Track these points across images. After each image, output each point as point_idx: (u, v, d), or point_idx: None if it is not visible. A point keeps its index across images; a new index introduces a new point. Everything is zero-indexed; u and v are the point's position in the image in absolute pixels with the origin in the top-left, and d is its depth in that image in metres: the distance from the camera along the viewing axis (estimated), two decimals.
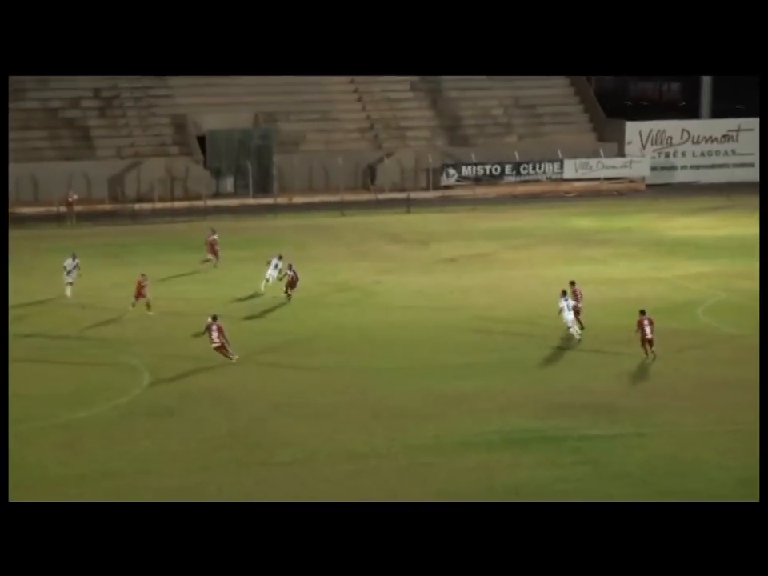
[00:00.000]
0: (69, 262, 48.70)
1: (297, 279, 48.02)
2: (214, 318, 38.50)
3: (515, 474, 28.21)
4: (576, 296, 41.90)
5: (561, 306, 40.41)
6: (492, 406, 33.73)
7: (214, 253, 54.86)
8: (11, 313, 45.34)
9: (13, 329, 42.59)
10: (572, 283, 42.78)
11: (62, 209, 70.46)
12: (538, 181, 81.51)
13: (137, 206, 73.28)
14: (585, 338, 40.90)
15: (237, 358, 38.12)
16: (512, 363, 38.35)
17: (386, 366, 38.21)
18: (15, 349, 40.04)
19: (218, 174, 79.75)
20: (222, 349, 38.03)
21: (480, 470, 28.58)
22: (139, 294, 45.34)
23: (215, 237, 55.42)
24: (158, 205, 73.96)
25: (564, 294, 40.97)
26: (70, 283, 48.24)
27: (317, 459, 29.46)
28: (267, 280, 49.09)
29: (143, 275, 46.00)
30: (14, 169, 74.33)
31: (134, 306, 45.17)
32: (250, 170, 77.67)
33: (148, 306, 45.16)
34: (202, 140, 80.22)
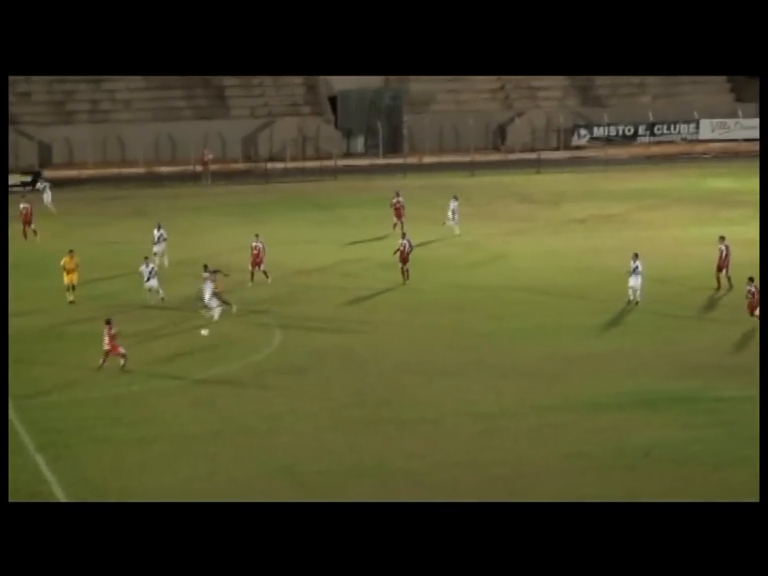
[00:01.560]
0: (155, 233, 47.54)
1: (410, 251, 43.99)
2: (213, 271, 39.81)
3: (646, 435, 27.96)
4: (722, 251, 41.59)
5: (632, 267, 39.85)
6: (623, 366, 33.44)
7: (399, 216, 53.46)
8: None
9: (144, 289, 43.57)
10: (722, 238, 42.41)
11: (198, 168, 71.57)
12: (672, 141, 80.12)
13: (269, 165, 74.05)
14: (720, 300, 40.22)
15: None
16: (644, 324, 37.95)
17: (514, 326, 38.10)
18: (152, 307, 40.99)
19: (348, 133, 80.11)
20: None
21: (610, 430, 28.40)
22: (255, 262, 43.88)
23: (400, 199, 53.93)
24: (290, 164, 74.61)
25: (636, 256, 40.14)
26: (157, 253, 46.21)
27: (445, 418, 29.55)
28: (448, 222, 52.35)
29: (257, 236, 44.70)
30: (152, 128, 76.05)
31: (252, 278, 43.56)
32: (380, 130, 77.81)
33: (266, 274, 43.77)
34: (333, 100, 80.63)
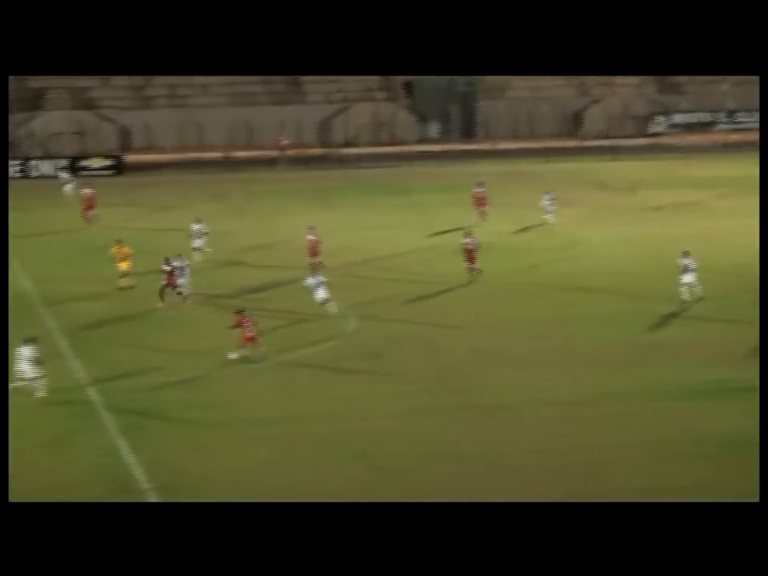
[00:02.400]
0: (194, 227, 46.14)
1: (476, 248, 42.26)
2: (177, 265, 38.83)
3: (724, 424, 27.76)
4: None
5: (682, 266, 38.47)
6: (700, 354, 33.21)
7: (482, 205, 52.47)
8: (224, 256, 46.92)
9: (223, 273, 44.07)
10: None
11: (274, 153, 72.01)
12: (753, 129, 79.17)
13: (344, 150, 74.30)
14: None
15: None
16: (720, 312, 37.59)
17: (589, 312, 37.98)
18: (228, 291, 41.42)
19: (423, 119, 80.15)
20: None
21: (686, 418, 28.25)
22: (312, 254, 43.17)
23: (482, 190, 53.02)
24: (365, 150, 74.85)
25: (685, 254, 38.82)
26: (198, 249, 45.48)
27: (520, 405, 29.56)
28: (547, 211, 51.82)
29: (311, 228, 44.06)
30: (229, 113, 76.71)
31: (317, 267, 42.00)
32: (454, 115, 77.76)
33: (319, 264, 42.51)
34: (408, 86, 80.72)
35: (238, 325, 33.26)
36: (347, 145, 76.18)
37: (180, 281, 39.43)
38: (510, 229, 51.62)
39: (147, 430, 28.09)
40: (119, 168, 69.72)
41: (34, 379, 30.10)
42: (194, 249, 45.48)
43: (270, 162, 71.40)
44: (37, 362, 30.21)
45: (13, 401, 29.90)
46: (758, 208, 29.04)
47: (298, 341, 35.36)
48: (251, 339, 33.17)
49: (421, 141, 78.31)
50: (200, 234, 45.97)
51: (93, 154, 71.26)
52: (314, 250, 43.41)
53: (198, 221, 46.45)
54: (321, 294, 37.81)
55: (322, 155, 74.57)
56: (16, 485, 24.60)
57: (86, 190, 54.22)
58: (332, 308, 37.78)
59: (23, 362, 30.17)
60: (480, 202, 53.01)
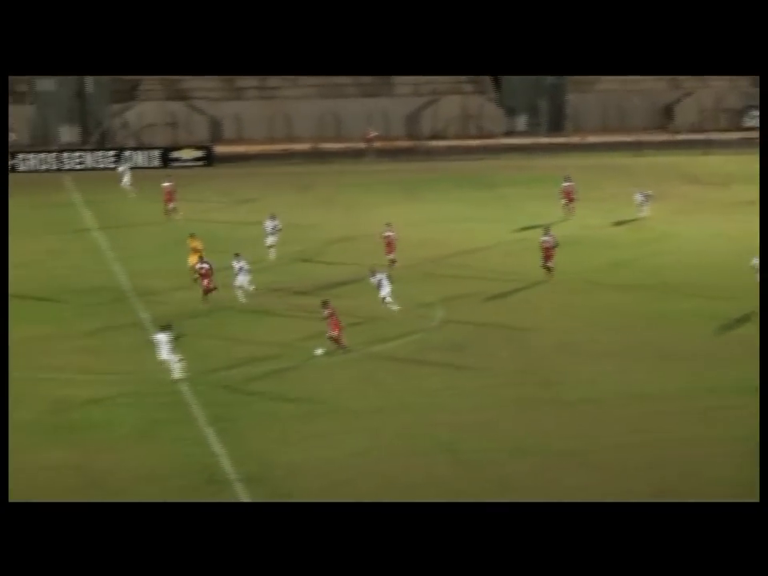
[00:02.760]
0: (268, 224, 45.19)
1: (554, 246, 41.35)
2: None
3: None
4: None
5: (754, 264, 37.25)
6: None
7: (570, 200, 52.14)
8: (310, 249, 47.11)
9: (307, 266, 44.16)
10: None
11: (362, 145, 72.16)
12: None
13: (431, 143, 74.20)
14: None
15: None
16: None
17: (680, 307, 37.55)
18: (312, 284, 41.57)
19: (511, 112, 79.76)
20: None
21: None
22: (388, 251, 42.98)
23: (570, 184, 52.65)
24: (452, 142, 74.67)
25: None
26: (271, 246, 44.74)
27: (608, 399, 29.32)
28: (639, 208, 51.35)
29: (388, 224, 43.61)
30: (317, 105, 77.00)
31: (392, 263, 42.41)
32: (543, 108, 77.27)
33: (393, 261, 42.55)
34: (496, 78, 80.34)
35: (327, 316, 33.40)
36: (435, 137, 76.03)
37: (240, 279, 39.16)
38: (599, 223, 51.21)
39: (235, 421, 28.31)
40: (209, 159, 70.38)
41: (178, 362, 30.92)
42: (269, 246, 45.05)
43: (357, 154, 71.50)
44: (174, 346, 30.88)
45: (102, 392, 30.47)
46: (759, 208, 28.61)
47: (382, 334, 35.34)
48: (339, 331, 33.28)
49: (509, 134, 77.88)
50: (274, 231, 45.35)
51: (184, 145, 72.00)
52: (390, 246, 43.34)
53: (272, 217, 45.83)
54: (385, 291, 37.31)
55: (409, 148, 74.48)
56: (105, 476, 25.06)
57: (166, 183, 53.98)
58: (392, 306, 37.05)
59: (163, 348, 30.90)
60: (568, 196, 52.70)
